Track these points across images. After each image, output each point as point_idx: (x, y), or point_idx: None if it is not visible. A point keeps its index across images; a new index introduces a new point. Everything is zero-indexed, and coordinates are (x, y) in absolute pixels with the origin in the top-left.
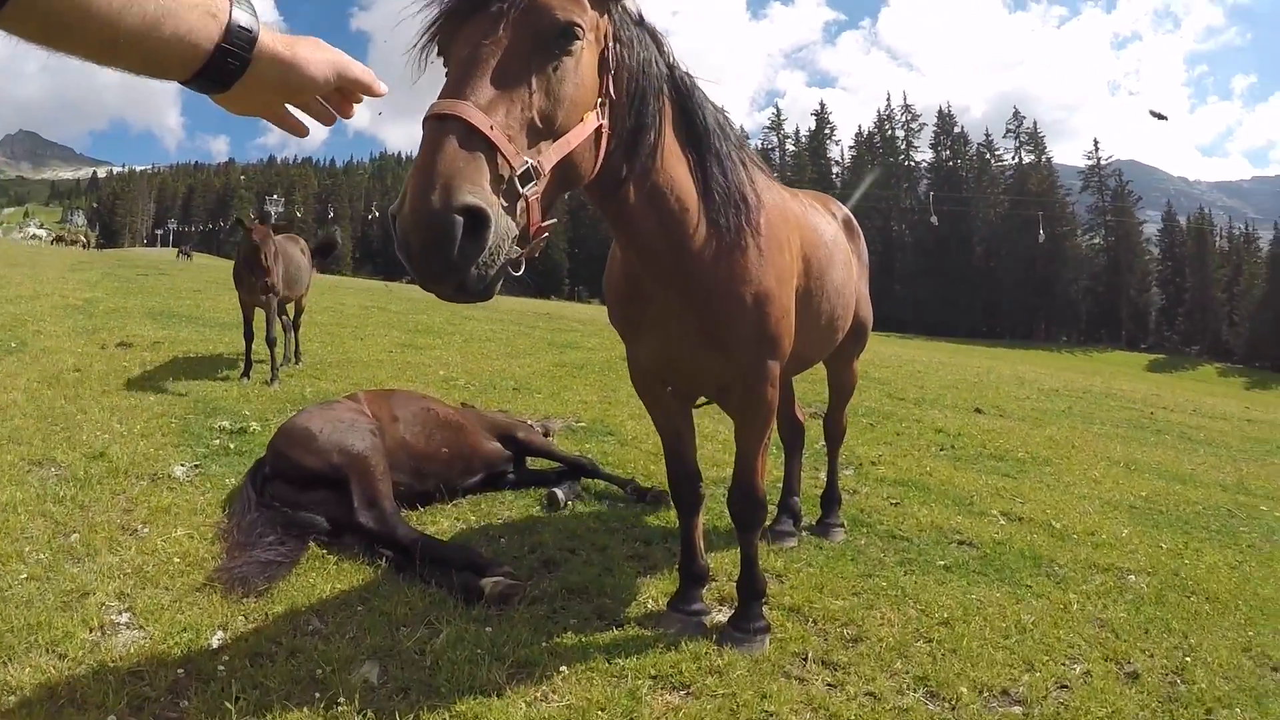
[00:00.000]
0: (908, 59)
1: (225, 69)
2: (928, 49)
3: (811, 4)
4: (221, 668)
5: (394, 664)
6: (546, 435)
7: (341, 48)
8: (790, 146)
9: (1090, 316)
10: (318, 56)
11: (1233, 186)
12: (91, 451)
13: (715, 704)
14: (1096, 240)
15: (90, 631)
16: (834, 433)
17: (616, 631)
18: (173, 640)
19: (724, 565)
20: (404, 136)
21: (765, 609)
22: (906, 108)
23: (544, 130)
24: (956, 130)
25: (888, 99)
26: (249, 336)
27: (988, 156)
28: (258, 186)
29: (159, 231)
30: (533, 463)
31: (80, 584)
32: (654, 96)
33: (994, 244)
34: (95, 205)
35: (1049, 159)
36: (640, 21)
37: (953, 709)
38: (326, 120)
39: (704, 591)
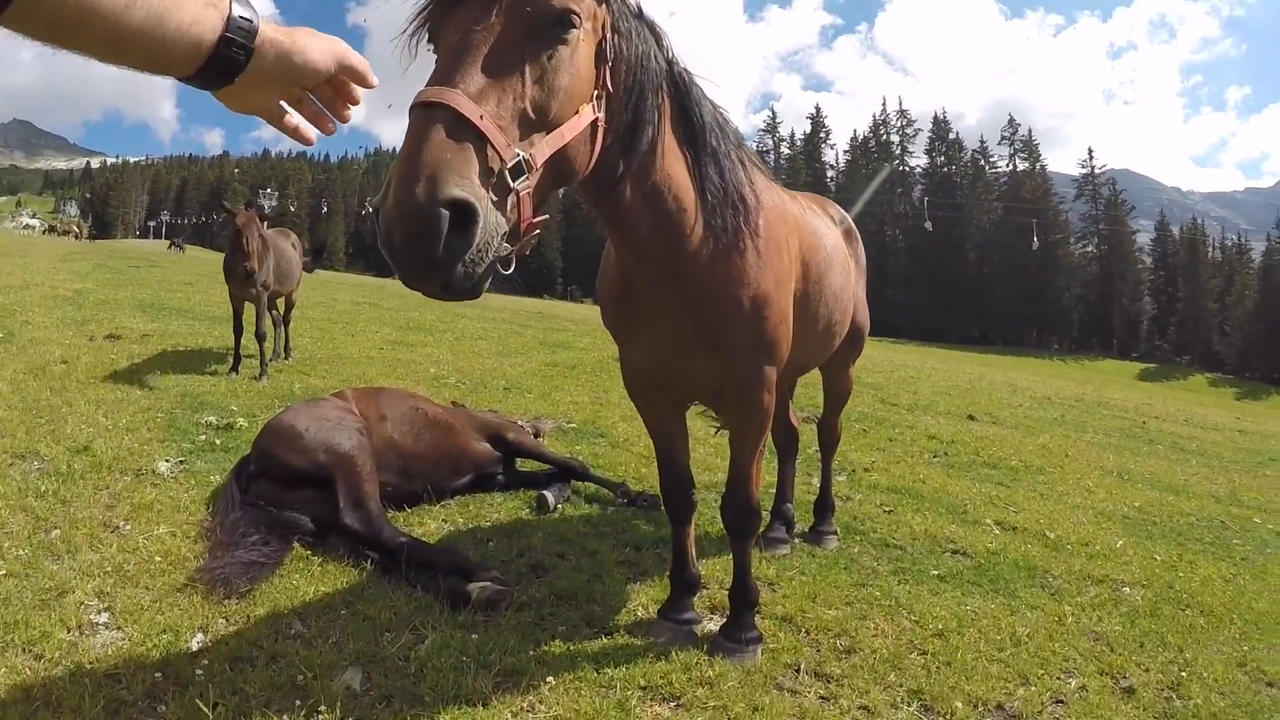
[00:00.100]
0: (904, 64)
1: (230, 60)
2: (924, 55)
3: (808, 8)
4: (200, 672)
5: (377, 671)
6: (537, 436)
7: None
8: (785, 149)
9: (1082, 324)
10: (317, 44)
11: (1226, 197)
12: (76, 445)
13: (706, 716)
14: (1089, 248)
15: (68, 631)
16: (828, 439)
17: (606, 640)
18: (152, 642)
19: (715, 573)
20: (399, 132)
21: (757, 618)
22: (902, 113)
23: (537, 122)
24: (951, 136)
25: (883, 104)
26: (238, 331)
27: (982, 163)
28: (252, 180)
29: (152, 223)
30: (522, 464)
31: (60, 582)
32: (652, 91)
33: (987, 250)
34: (88, 196)
35: (1043, 167)
36: (639, 14)
37: None
38: (325, 126)
39: (695, 600)
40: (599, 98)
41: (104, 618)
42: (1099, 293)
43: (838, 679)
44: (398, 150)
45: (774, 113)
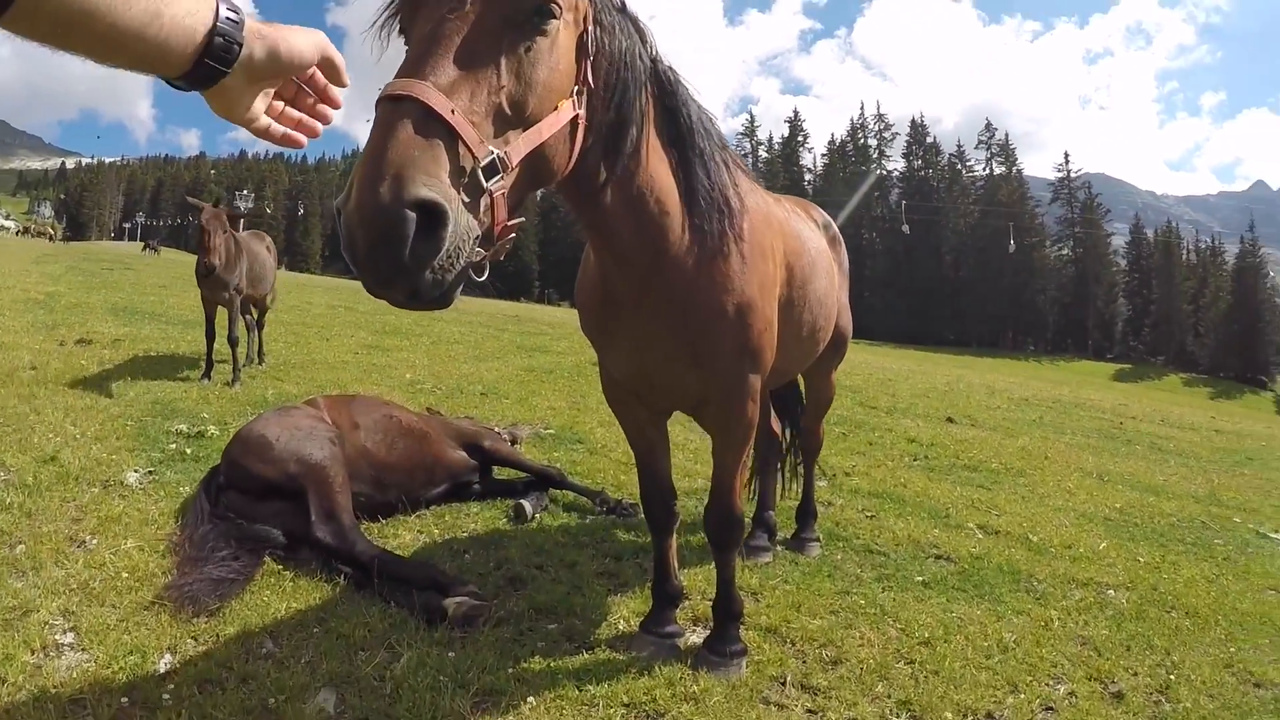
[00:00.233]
0: (882, 69)
1: (223, 50)
2: (902, 60)
3: (788, 12)
4: (168, 696)
5: (351, 692)
6: (514, 443)
7: None
8: (763, 153)
9: (1058, 326)
10: (300, 35)
11: (1200, 201)
12: (43, 455)
13: None
14: (1065, 251)
15: (32, 654)
16: (810, 445)
17: (587, 655)
18: (118, 664)
19: (697, 583)
20: None
21: (742, 630)
22: (880, 117)
23: (513, 118)
24: (929, 140)
25: (861, 108)
26: (211, 335)
27: (959, 167)
28: (228, 181)
29: (127, 225)
30: (499, 472)
31: (23, 600)
32: (637, 89)
33: (964, 253)
34: (63, 197)
35: (1019, 170)
36: (623, 9)
37: None
38: (313, 130)
39: (677, 612)
40: (579, 94)
41: (69, 638)
42: (1074, 295)
43: (825, 691)
44: None
45: (752, 116)
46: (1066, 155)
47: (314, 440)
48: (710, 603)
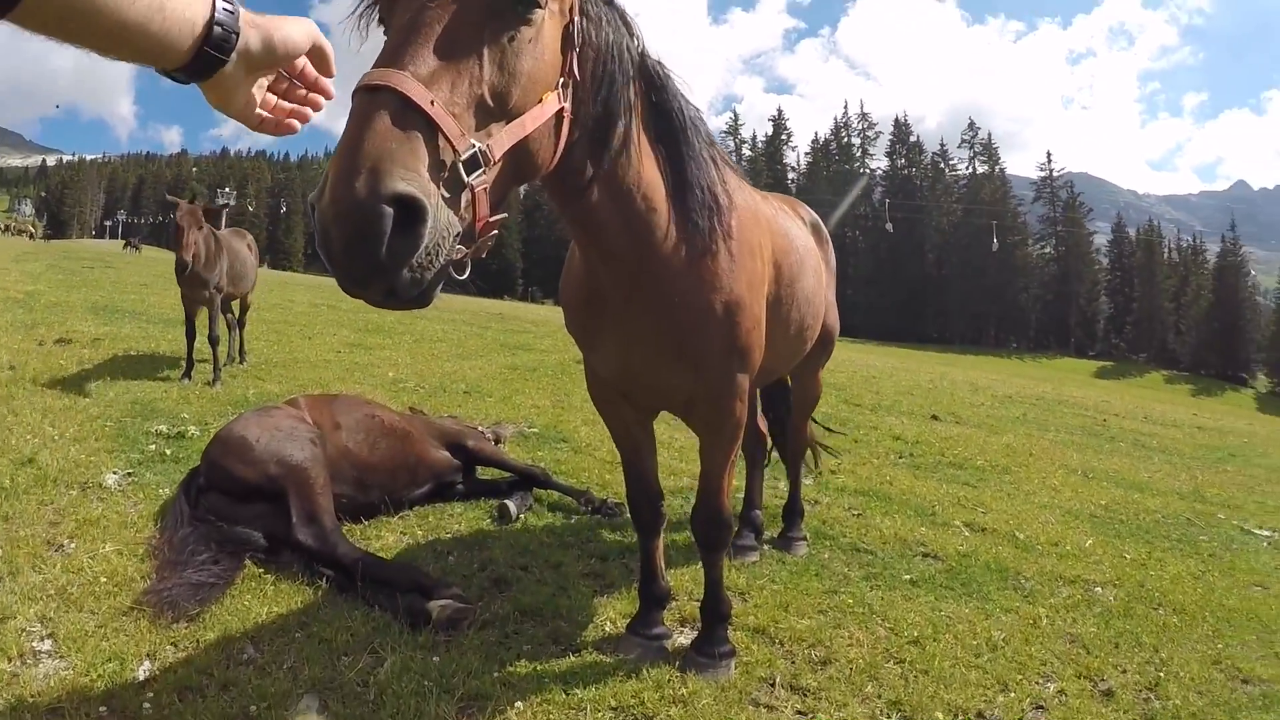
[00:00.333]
0: (866, 68)
1: (221, 39)
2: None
3: (772, 11)
4: (148, 705)
5: (335, 698)
6: (497, 442)
7: None
8: (747, 151)
9: (1040, 324)
10: (293, 23)
11: (1181, 200)
12: (20, 457)
13: None
14: (1047, 250)
15: (9, 661)
16: (796, 444)
17: (573, 658)
18: (96, 672)
19: (684, 583)
20: None
21: (730, 631)
22: (863, 116)
23: (495, 110)
24: (912, 139)
25: (845, 107)
26: (191, 334)
27: (942, 166)
28: (210, 179)
29: (108, 223)
30: (483, 472)
31: (0, 606)
32: (624, 83)
33: (947, 251)
34: (43, 194)
35: (1002, 170)
36: (610, 1)
37: None
38: (304, 115)
39: (664, 613)
40: (565, 86)
41: (47, 645)
42: (1057, 293)
43: (814, 692)
44: None
45: (736, 114)
46: (1049, 154)
47: (295, 441)
48: (698, 603)
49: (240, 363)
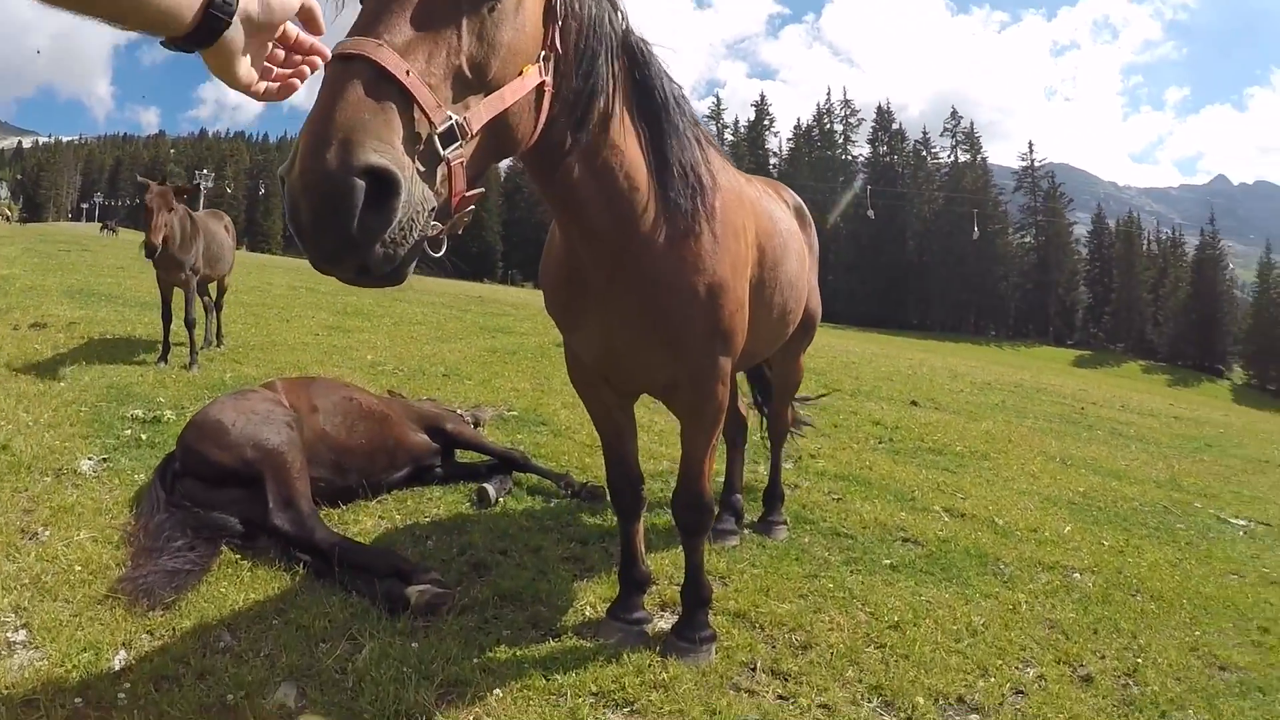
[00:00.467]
0: (849, 55)
1: (225, 4)
2: (870, 46)
3: None
4: (123, 695)
5: (313, 685)
6: (476, 426)
7: None
8: (729, 136)
9: (1019, 312)
10: None
11: (1161, 193)
12: None
13: None
14: (1027, 239)
15: None
16: (777, 428)
17: (553, 643)
18: (72, 662)
19: (664, 567)
20: None
21: (710, 615)
22: (846, 103)
23: (474, 82)
24: (895, 127)
25: (828, 93)
26: (167, 318)
27: (924, 154)
28: (188, 161)
29: (84, 205)
30: (462, 455)
31: None
32: (606, 58)
33: (927, 239)
34: (19, 177)
35: (984, 159)
36: None
37: (909, 719)
38: (303, 73)
39: (645, 598)
40: (546, 60)
41: (21, 635)
42: (1036, 282)
43: (795, 676)
44: None
45: (719, 99)
46: (1031, 145)
47: (271, 425)
48: (678, 588)
49: (217, 346)
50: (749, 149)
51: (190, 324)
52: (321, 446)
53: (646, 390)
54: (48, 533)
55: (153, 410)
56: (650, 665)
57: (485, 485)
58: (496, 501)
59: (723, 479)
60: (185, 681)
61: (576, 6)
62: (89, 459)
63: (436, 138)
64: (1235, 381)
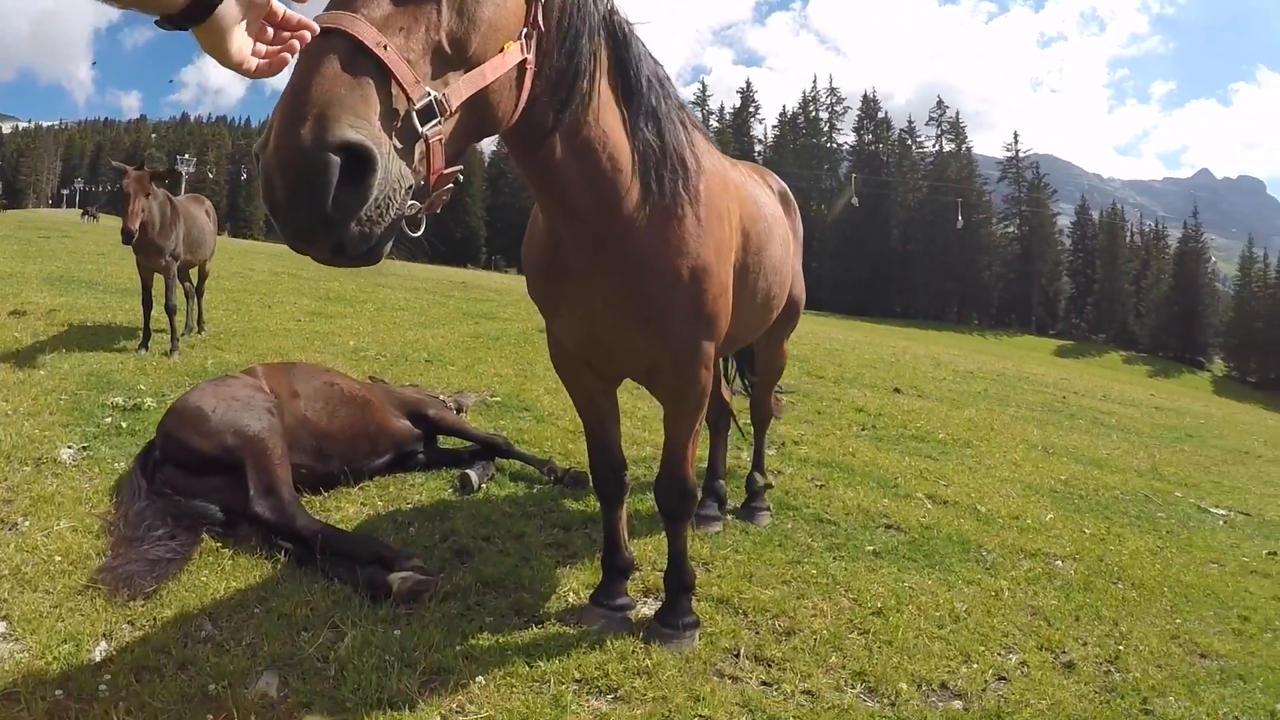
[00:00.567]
0: (836, 43)
1: None
2: (856, 35)
3: None
4: (104, 686)
5: (295, 674)
6: (459, 411)
7: None
8: (715, 123)
9: (1002, 302)
10: None
11: (1145, 186)
12: None
13: (645, 709)
14: (1011, 229)
15: None
16: (760, 414)
17: (536, 630)
18: (52, 654)
19: (647, 553)
20: None
21: (694, 601)
22: (832, 90)
23: (454, 58)
24: (880, 115)
25: (814, 81)
26: (147, 304)
27: (909, 143)
28: (170, 145)
29: (65, 191)
30: (444, 441)
31: None
32: (589, 36)
33: (911, 228)
34: None
35: (969, 149)
36: None
37: (893, 705)
38: (289, 48)
39: (628, 584)
40: (529, 37)
41: (1, 627)
42: (1019, 272)
43: (779, 663)
44: None
45: (704, 86)
46: (1016, 135)
47: (251, 411)
48: (661, 573)
49: (198, 332)
50: (734, 136)
51: (171, 310)
52: (303, 432)
53: (629, 375)
54: (27, 523)
55: (133, 398)
56: (634, 652)
57: (468, 471)
58: (479, 488)
59: (706, 465)
60: (167, 672)
61: None
62: (69, 447)
63: (415, 114)
64: (1216, 373)
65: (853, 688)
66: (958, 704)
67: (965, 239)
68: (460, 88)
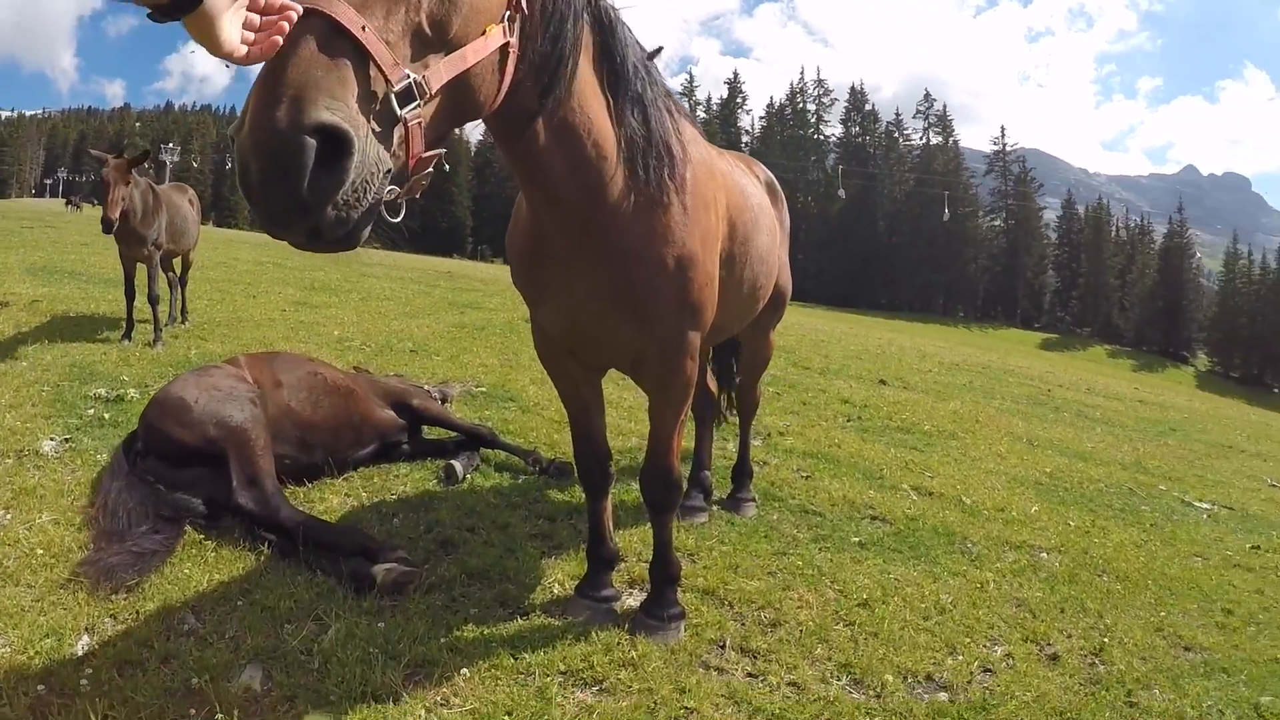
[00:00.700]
0: (824, 35)
1: None
2: (845, 27)
3: None
4: (86, 681)
5: (278, 667)
6: (444, 402)
7: None
8: (702, 114)
9: (988, 294)
10: None
11: (1131, 181)
12: None
13: (631, 701)
14: (997, 222)
15: None
16: (746, 405)
17: (521, 621)
18: (34, 649)
19: (633, 544)
20: None
21: (679, 592)
22: (819, 82)
23: (434, 40)
24: (867, 108)
25: (801, 73)
26: (130, 294)
27: (896, 135)
28: (154, 134)
29: (48, 181)
30: (429, 432)
31: None
32: (574, 21)
33: (898, 220)
34: None
35: (956, 142)
36: None
37: (878, 697)
38: (280, 32)
39: (613, 575)
40: (511, 20)
41: None
42: (1005, 265)
43: (764, 654)
44: None
45: (691, 77)
46: (1003, 129)
47: (234, 401)
48: (647, 565)
49: (182, 322)
50: (721, 127)
51: (154, 300)
52: (286, 423)
53: (614, 364)
54: (8, 516)
55: (116, 389)
56: (619, 643)
57: (452, 462)
58: (464, 478)
59: (692, 455)
60: (149, 666)
61: None
62: (51, 440)
63: (393, 97)
64: (1199, 368)
65: (838, 679)
66: (943, 696)
67: (951, 232)
68: (440, 70)
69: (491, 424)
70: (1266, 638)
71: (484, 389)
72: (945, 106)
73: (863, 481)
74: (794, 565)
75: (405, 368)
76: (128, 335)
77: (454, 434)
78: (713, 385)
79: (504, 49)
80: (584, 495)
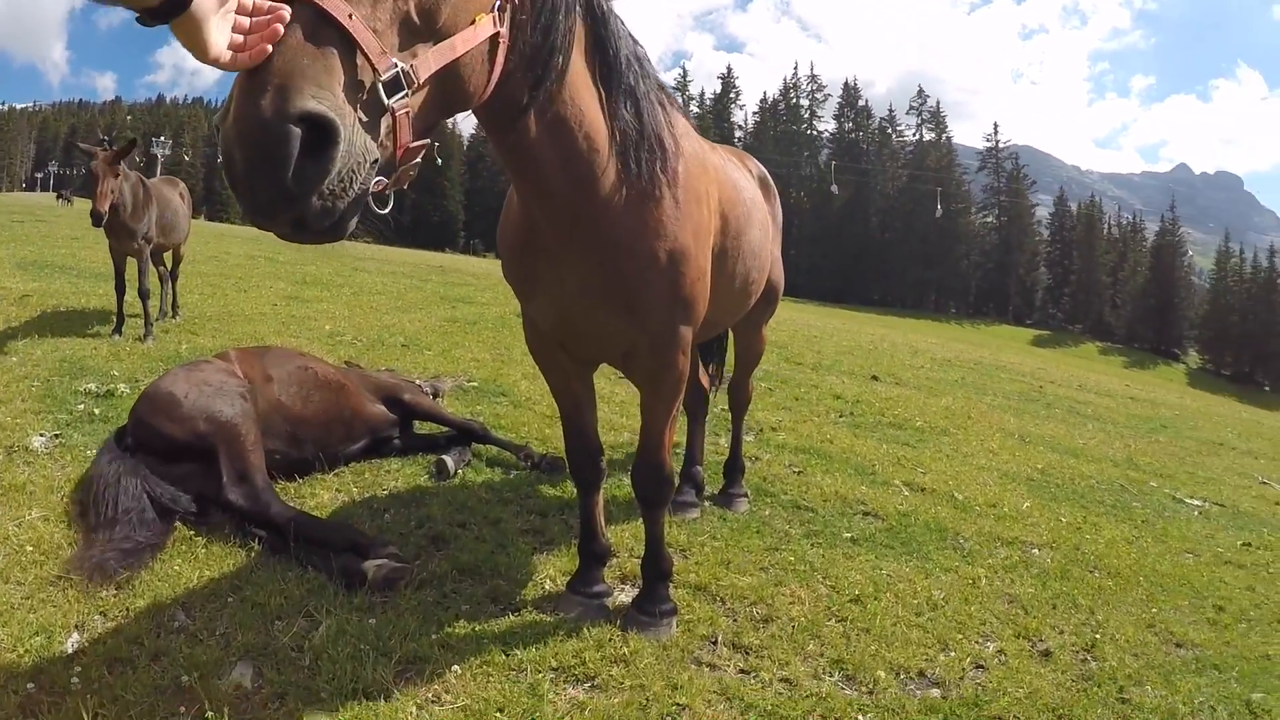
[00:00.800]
0: (818, 31)
1: None
2: (839, 23)
3: None
4: (76, 679)
5: (269, 664)
6: (436, 396)
7: None
8: (695, 109)
9: (980, 291)
10: None
11: (1123, 179)
12: None
13: (623, 698)
14: (990, 219)
15: None
16: (739, 400)
17: (513, 617)
18: (24, 646)
19: (624, 540)
20: None
21: (671, 588)
22: (813, 78)
23: (422, 29)
24: (861, 103)
25: (795, 68)
26: (120, 289)
27: (889, 131)
28: (145, 127)
29: (39, 175)
30: (420, 427)
31: None
32: (566, 11)
33: (891, 216)
34: None
35: (949, 138)
36: None
37: (871, 693)
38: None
39: (605, 571)
40: (502, 10)
41: None
42: (997, 261)
43: (757, 650)
44: None
45: (685, 71)
46: (996, 126)
47: (224, 396)
48: (639, 560)
49: (173, 317)
50: (714, 121)
51: (144, 295)
52: (276, 418)
53: (605, 359)
54: None
55: (107, 384)
56: (611, 639)
57: (444, 457)
58: (455, 473)
59: (683, 451)
60: (139, 663)
61: None
62: (41, 435)
63: (381, 86)
64: (1190, 365)
65: (831, 675)
66: (936, 692)
67: (944, 228)
68: (429, 60)
69: (483, 419)
70: (1258, 634)
71: (475, 384)
72: (938, 103)
73: (855, 477)
74: (786, 561)
75: (397, 362)
76: (118, 330)
77: (445, 429)
78: (704, 380)
79: (494, 39)
80: (576, 490)
